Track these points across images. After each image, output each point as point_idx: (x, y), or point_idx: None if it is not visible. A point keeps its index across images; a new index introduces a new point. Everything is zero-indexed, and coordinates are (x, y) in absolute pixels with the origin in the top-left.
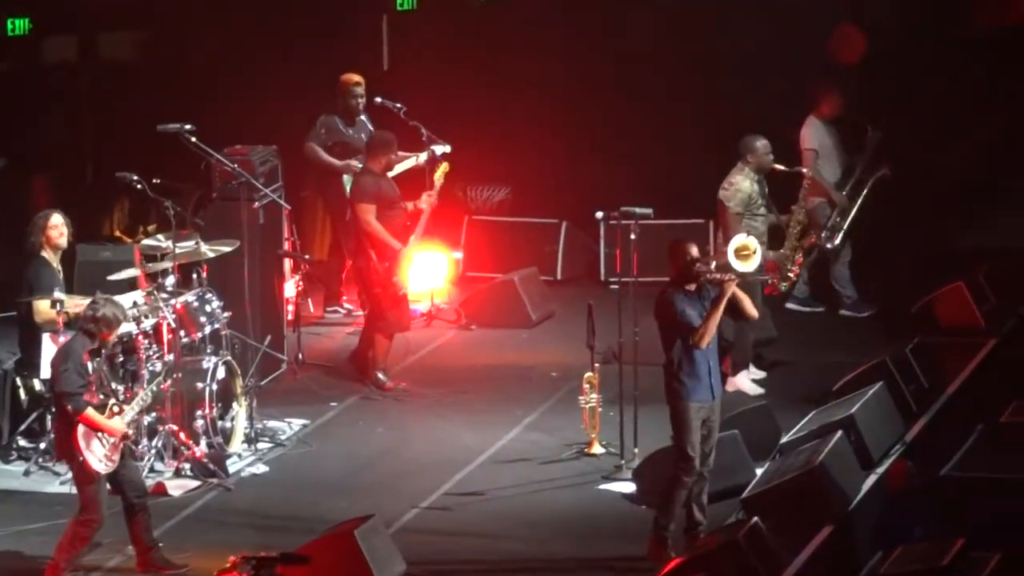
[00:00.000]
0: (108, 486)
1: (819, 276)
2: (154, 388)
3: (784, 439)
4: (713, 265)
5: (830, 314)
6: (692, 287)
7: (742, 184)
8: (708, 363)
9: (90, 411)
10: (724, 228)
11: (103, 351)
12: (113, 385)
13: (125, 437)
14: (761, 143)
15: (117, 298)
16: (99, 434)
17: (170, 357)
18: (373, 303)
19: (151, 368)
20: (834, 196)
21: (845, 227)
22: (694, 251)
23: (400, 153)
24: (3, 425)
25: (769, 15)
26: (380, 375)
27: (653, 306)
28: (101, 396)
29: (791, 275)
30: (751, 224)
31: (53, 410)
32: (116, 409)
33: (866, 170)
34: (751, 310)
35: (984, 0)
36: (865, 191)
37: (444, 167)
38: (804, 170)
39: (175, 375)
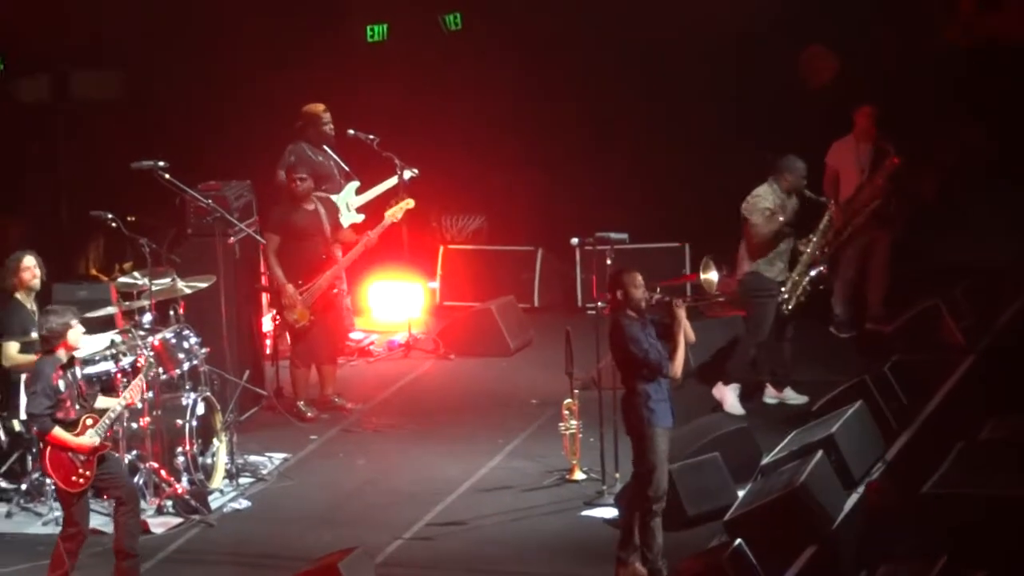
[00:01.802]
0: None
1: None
2: (125, 397)
3: (765, 460)
4: (657, 292)
5: (808, 333)
6: (636, 313)
7: (766, 195)
8: (668, 388)
9: (57, 431)
10: (747, 240)
11: (73, 363)
12: (90, 401)
13: (97, 450)
14: (800, 165)
15: (94, 336)
16: (70, 452)
17: (149, 394)
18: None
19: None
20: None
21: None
22: (640, 279)
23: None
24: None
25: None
26: (300, 404)
27: (608, 334)
28: (77, 408)
29: (793, 300)
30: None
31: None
32: (89, 422)
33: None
34: (691, 335)
35: (952, 17)
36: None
37: (405, 203)
38: (826, 199)
39: (155, 412)
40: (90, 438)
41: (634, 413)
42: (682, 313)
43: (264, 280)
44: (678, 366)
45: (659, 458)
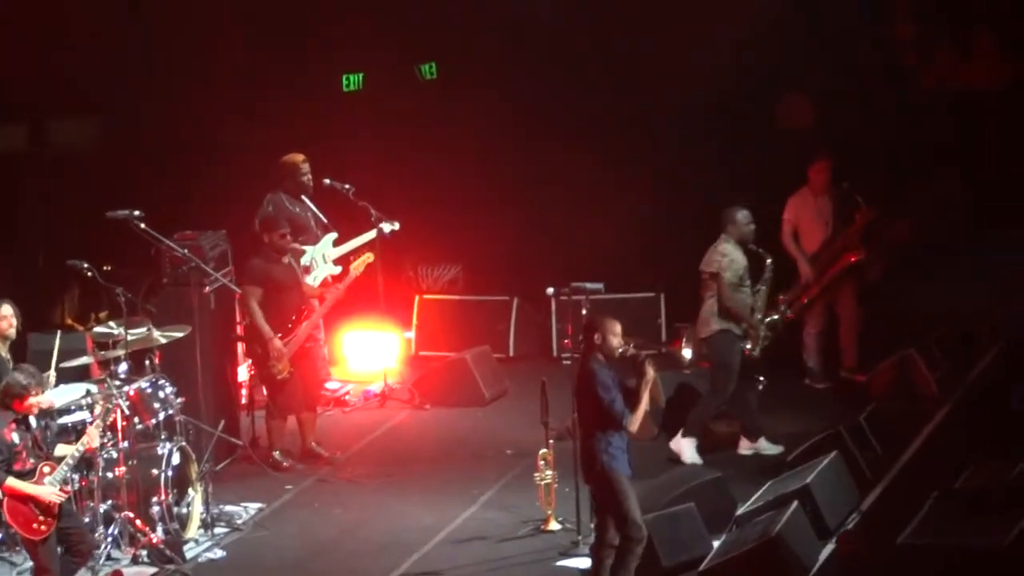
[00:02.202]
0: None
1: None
2: (83, 442)
3: (740, 510)
4: (631, 346)
5: (783, 384)
6: (607, 359)
7: (735, 255)
8: (626, 438)
9: (12, 481)
10: (720, 297)
11: (32, 419)
12: (43, 447)
13: (55, 498)
14: (743, 214)
15: (70, 386)
16: (29, 501)
17: (125, 444)
18: (263, 384)
19: (105, 456)
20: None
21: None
22: (618, 327)
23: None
24: None
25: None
26: (276, 455)
27: (575, 380)
28: (32, 461)
29: (757, 347)
30: (740, 296)
31: None
32: (47, 470)
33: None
34: (659, 397)
35: (930, 65)
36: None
37: (366, 257)
38: (766, 258)
39: (130, 462)
40: (47, 486)
41: (595, 458)
42: (651, 373)
43: (240, 330)
44: (637, 421)
45: (631, 500)
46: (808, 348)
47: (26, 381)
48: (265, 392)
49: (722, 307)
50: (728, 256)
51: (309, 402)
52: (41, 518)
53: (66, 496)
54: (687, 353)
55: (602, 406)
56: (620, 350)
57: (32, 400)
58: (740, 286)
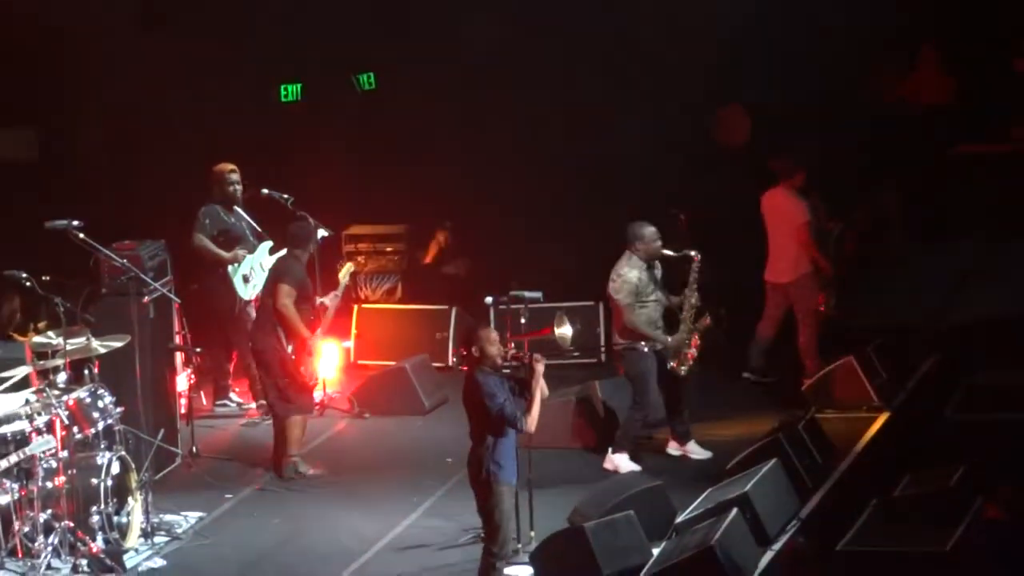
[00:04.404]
0: None
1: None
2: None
3: (679, 518)
4: (512, 347)
5: (723, 391)
6: (493, 369)
7: (629, 275)
8: (515, 445)
9: None
10: (615, 317)
11: None
12: None
13: None
14: (649, 230)
15: (8, 396)
16: None
17: (64, 453)
18: (279, 389)
19: (45, 465)
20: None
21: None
22: (495, 335)
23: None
24: None
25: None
26: (297, 460)
27: (463, 393)
28: None
29: (689, 359)
30: (642, 312)
31: None
32: None
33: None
34: (546, 390)
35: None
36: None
37: (349, 267)
38: (693, 253)
39: (70, 471)
40: None
41: (480, 468)
42: (540, 368)
43: (178, 339)
44: (533, 420)
45: (506, 514)
46: (757, 343)
47: None
48: (283, 392)
49: (623, 328)
50: (621, 277)
51: (312, 406)
52: None
53: None
54: (565, 331)
55: (491, 415)
56: (500, 357)
57: None
58: (643, 303)
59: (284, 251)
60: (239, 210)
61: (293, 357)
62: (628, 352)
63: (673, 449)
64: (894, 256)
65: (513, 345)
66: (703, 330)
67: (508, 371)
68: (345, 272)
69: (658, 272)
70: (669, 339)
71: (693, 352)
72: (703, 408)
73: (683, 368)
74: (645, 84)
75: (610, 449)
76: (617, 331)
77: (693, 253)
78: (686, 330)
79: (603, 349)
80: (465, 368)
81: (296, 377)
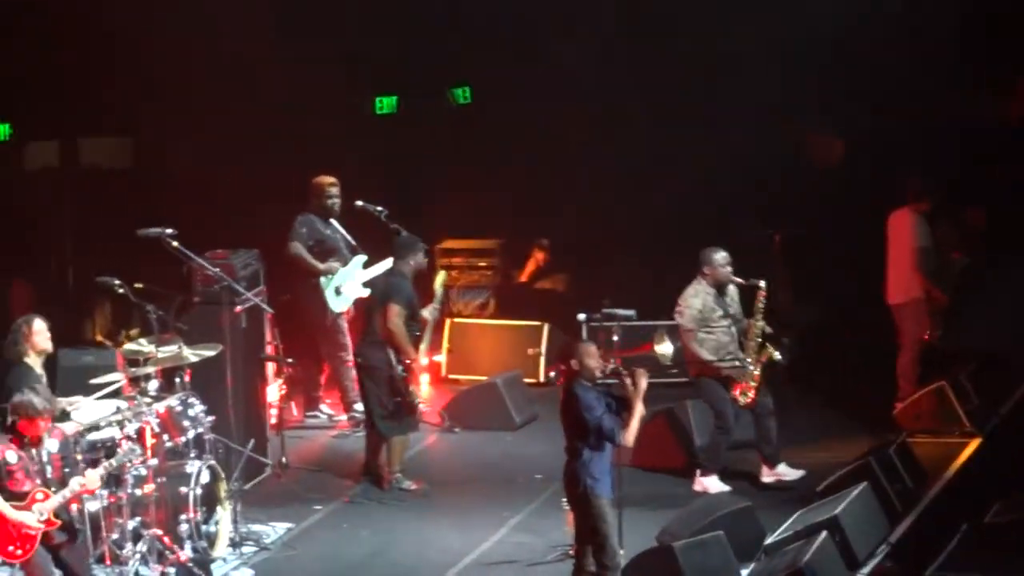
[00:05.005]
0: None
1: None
2: (81, 482)
3: (769, 540)
4: (611, 362)
5: (815, 413)
6: (591, 383)
7: (692, 301)
8: (611, 459)
9: None
10: (684, 342)
11: (52, 442)
12: (49, 472)
13: (48, 525)
14: (719, 256)
15: (100, 403)
16: (8, 524)
17: (153, 461)
18: (386, 407)
19: (134, 473)
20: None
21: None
22: (594, 349)
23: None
24: None
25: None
26: (399, 476)
27: (560, 406)
28: (29, 484)
29: (748, 390)
30: (710, 337)
31: None
32: (40, 496)
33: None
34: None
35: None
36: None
37: (442, 276)
38: (761, 283)
39: (159, 479)
40: (33, 513)
41: (577, 482)
42: (644, 382)
43: (270, 350)
44: (632, 434)
45: (610, 527)
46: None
47: (41, 407)
48: (390, 410)
49: (685, 351)
50: (685, 303)
51: (416, 423)
52: (19, 543)
53: (52, 527)
54: (665, 349)
55: (589, 428)
56: (600, 371)
57: (37, 426)
58: (710, 329)
59: (387, 263)
60: (335, 223)
61: (404, 376)
62: (699, 378)
63: (767, 476)
64: (986, 279)
65: (612, 360)
66: (766, 362)
67: (606, 385)
68: (439, 282)
69: (729, 298)
70: (726, 368)
71: (752, 384)
72: (794, 431)
73: (742, 397)
74: (742, 103)
75: (698, 472)
76: (686, 358)
77: (761, 283)
78: (748, 360)
79: (672, 368)
80: (561, 382)
81: (405, 397)
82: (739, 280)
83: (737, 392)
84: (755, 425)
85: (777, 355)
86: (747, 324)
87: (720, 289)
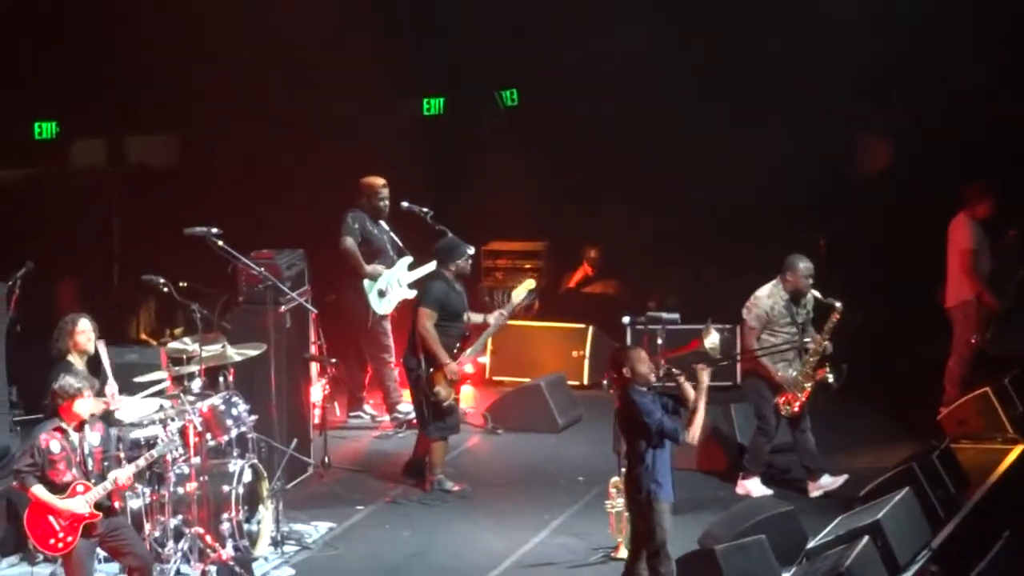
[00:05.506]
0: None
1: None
2: (118, 477)
3: (811, 544)
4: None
5: (857, 420)
6: (646, 386)
7: (763, 301)
8: (671, 462)
9: (37, 489)
10: (745, 338)
11: (95, 435)
12: (90, 464)
13: (81, 519)
14: (803, 265)
15: (143, 401)
16: (50, 515)
17: (196, 460)
18: (422, 409)
19: (177, 471)
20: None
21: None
22: (644, 354)
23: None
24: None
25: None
26: (441, 478)
27: (618, 415)
28: (71, 475)
29: (794, 403)
30: (771, 340)
31: None
32: (80, 488)
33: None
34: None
35: None
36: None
37: (528, 284)
38: (838, 304)
39: (201, 477)
40: (75, 504)
41: (640, 488)
42: (706, 377)
43: (314, 350)
44: (695, 432)
45: (667, 534)
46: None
47: (79, 384)
48: (427, 413)
49: (745, 345)
50: (755, 300)
51: (456, 425)
52: (61, 535)
53: (95, 518)
54: (713, 340)
55: (651, 430)
56: (652, 374)
57: (80, 405)
58: (773, 332)
59: (431, 265)
60: (383, 223)
61: (429, 379)
62: (748, 377)
63: (813, 492)
64: None
65: (662, 362)
66: (817, 380)
67: (660, 387)
68: (521, 289)
69: (803, 308)
70: (779, 375)
71: (802, 399)
72: (839, 435)
73: (785, 408)
74: (791, 104)
75: (740, 474)
76: (743, 352)
77: (837, 304)
78: (801, 373)
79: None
80: (614, 390)
81: (431, 400)
82: (817, 294)
83: (782, 401)
84: (793, 440)
85: (831, 377)
86: (815, 339)
87: (796, 297)
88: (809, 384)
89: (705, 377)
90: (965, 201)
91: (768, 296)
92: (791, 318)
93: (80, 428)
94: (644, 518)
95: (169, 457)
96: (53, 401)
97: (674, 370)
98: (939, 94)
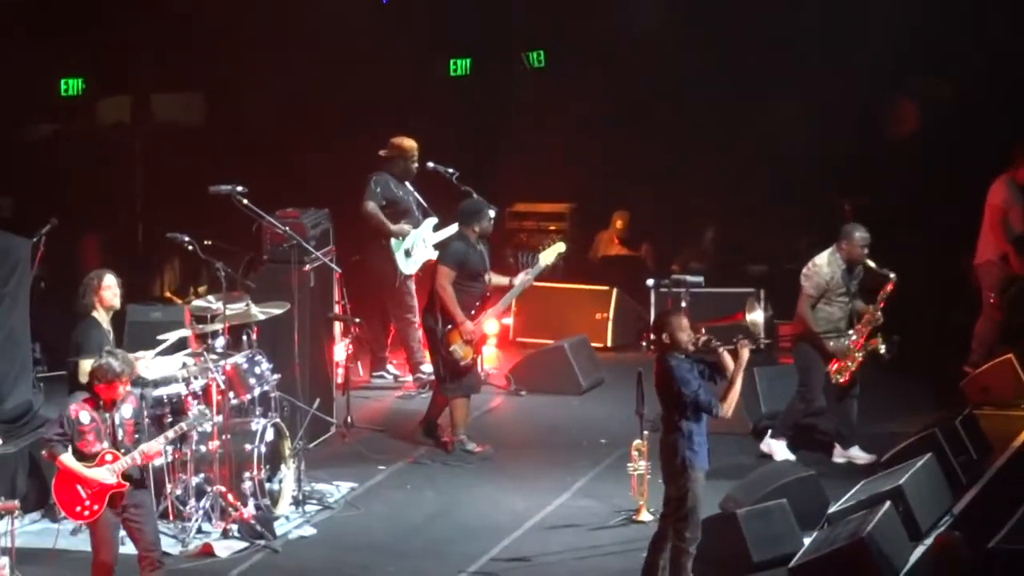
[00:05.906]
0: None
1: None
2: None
3: (832, 509)
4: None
5: (880, 385)
6: (684, 355)
7: (822, 269)
8: (706, 431)
9: (65, 457)
10: (799, 303)
11: (126, 407)
12: (120, 435)
13: (108, 488)
14: (859, 234)
15: (166, 358)
16: (77, 483)
17: (219, 418)
18: (439, 369)
19: (199, 429)
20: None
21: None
22: (685, 322)
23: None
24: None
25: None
26: (464, 439)
27: (654, 376)
28: (99, 446)
29: (845, 370)
30: (826, 308)
31: None
32: (108, 458)
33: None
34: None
35: None
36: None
37: (559, 247)
38: (892, 276)
39: (224, 436)
40: (102, 473)
41: (675, 454)
42: (746, 353)
43: (338, 309)
44: (730, 405)
45: (698, 501)
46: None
47: (120, 369)
48: (443, 372)
49: (799, 313)
50: (814, 267)
51: (477, 384)
52: (88, 503)
53: (122, 488)
54: (757, 317)
55: (686, 401)
56: (691, 344)
57: (117, 389)
58: (829, 300)
59: (455, 227)
60: (408, 184)
61: (446, 338)
62: (798, 342)
63: (838, 456)
64: None
65: (704, 331)
66: (869, 351)
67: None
68: (550, 252)
69: (857, 278)
70: (831, 344)
71: (850, 367)
72: (862, 401)
73: (837, 375)
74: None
75: (768, 432)
76: (795, 317)
77: (892, 275)
78: (853, 342)
79: (763, 337)
80: (652, 353)
81: (446, 358)
82: (872, 264)
83: (833, 368)
84: (838, 404)
85: (883, 348)
86: (865, 310)
87: (850, 266)
88: (861, 353)
89: (746, 353)
90: (1011, 162)
91: (828, 264)
92: (846, 287)
93: (112, 403)
94: (676, 484)
95: (198, 427)
96: (91, 377)
97: (714, 341)
98: (978, 60)
